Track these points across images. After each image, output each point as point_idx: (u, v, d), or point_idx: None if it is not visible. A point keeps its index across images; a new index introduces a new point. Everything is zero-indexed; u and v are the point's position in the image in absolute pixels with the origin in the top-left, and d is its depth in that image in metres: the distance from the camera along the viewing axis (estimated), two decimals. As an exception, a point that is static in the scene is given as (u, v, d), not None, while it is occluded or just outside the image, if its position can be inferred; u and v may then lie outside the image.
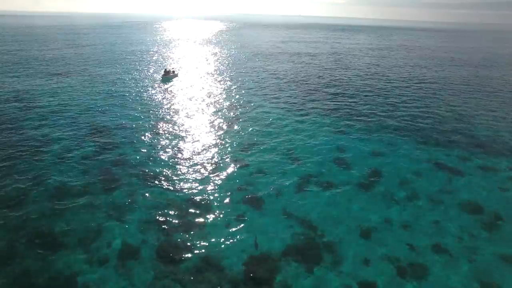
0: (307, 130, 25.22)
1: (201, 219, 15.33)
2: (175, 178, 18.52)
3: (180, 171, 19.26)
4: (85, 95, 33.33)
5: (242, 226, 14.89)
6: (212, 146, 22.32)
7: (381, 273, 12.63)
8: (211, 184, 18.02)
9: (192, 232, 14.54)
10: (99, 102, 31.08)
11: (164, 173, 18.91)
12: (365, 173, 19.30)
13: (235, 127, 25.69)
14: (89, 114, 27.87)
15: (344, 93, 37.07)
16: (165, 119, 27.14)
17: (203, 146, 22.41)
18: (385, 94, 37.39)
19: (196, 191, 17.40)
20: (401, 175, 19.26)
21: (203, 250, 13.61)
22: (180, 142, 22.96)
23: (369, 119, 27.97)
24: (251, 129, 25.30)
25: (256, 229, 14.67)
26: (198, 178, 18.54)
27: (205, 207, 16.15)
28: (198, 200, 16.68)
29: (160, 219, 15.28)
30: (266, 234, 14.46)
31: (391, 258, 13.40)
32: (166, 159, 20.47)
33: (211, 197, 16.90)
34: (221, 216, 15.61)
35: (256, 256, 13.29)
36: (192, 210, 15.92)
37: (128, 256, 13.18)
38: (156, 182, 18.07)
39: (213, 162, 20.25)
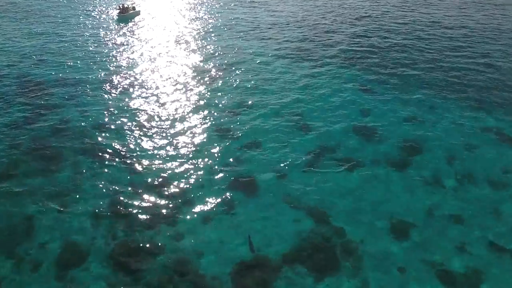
0: (320, 87, 23.53)
1: (173, 211, 14.40)
2: (137, 153, 17.30)
3: (144, 143, 18.01)
4: (14, 39, 30.87)
5: (229, 221, 14.00)
6: (188, 109, 20.89)
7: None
8: (187, 161, 16.86)
9: (159, 229, 13.65)
10: (33, 48, 28.83)
11: (122, 146, 17.67)
12: (398, 147, 18.14)
13: (220, 82, 23.97)
14: (18, 65, 25.90)
15: (371, 37, 34.19)
16: (123, 71, 25.34)
17: (175, 108, 20.97)
18: (428, 38, 34.51)
19: (166, 171, 16.30)
20: (449, 149, 18.07)
21: (174, 254, 12.74)
22: (144, 103, 21.49)
23: (405, 73, 26.04)
24: (243, 85, 23.60)
25: (249, 225, 13.80)
26: (168, 153, 17.36)
27: (178, 194, 15.14)
28: (168, 184, 15.61)
29: (116, 210, 14.33)
30: (263, 231, 13.60)
31: (436, 267, 12.55)
32: (125, 127, 19.12)
33: (187, 180, 15.82)
34: (201, 206, 14.63)
35: (249, 262, 12.47)
36: (160, 198, 14.93)
37: (71, 262, 12.33)
38: (111, 158, 16.88)
39: (189, 131, 18.95)
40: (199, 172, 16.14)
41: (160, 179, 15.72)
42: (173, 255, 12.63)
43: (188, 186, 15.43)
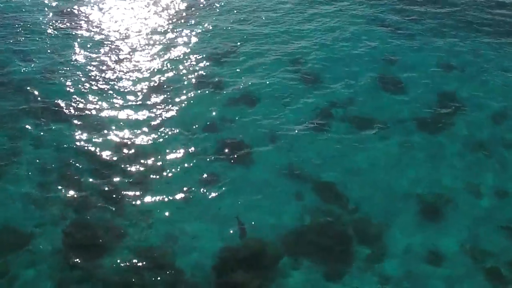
0: (334, 30, 20.75)
1: (141, 186, 12.53)
2: (93, 106, 15.15)
3: (104, 93, 15.76)
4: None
5: (214, 199, 12.24)
6: (164, 56, 18.22)
7: None
8: (161, 123, 14.74)
9: (123, 209, 11.87)
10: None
11: (73, 99, 15.38)
12: (431, 103, 15.98)
13: (204, 15, 21.20)
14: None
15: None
16: (73, 11, 21.65)
17: (143, 47, 18.45)
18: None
19: (133, 137, 14.20)
20: (499, 107, 15.87)
21: (143, 243, 10.99)
22: (103, 39, 18.89)
23: (441, 10, 22.80)
24: (236, 27, 20.70)
25: (239, 203, 12.08)
26: (137, 113, 15.06)
27: (149, 165, 13.23)
28: (135, 152, 13.63)
29: (65, 181, 12.49)
30: (256, 210, 11.89)
31: (475, 256, 10.93)
32: (78, 73, 16.68)
33: (160, 148, 13.83)
34: (177, 180, 12.74)
35: (238, 251, 10.71)
36: (124, 170, 13.00)
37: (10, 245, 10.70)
38: (59, 113, 14.74)
39: (164, 84, 16.56)
40: (175, 138, 14.07)
41: (125, 147, 13.69)
42: (141, 244, 10.84)
43: (161, 154, 13.43)
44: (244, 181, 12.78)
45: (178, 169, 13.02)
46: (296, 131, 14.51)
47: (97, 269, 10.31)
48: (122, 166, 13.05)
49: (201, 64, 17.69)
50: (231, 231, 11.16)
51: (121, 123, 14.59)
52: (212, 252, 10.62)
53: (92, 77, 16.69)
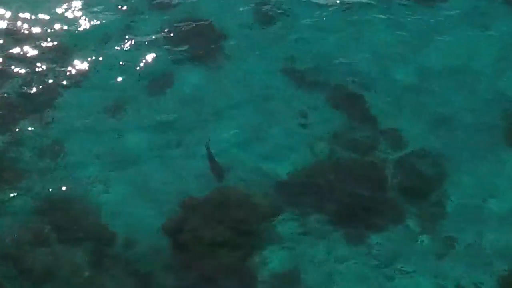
0: None
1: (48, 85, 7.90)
2: None
3: None
4: None
5: (166, 100, 7.79)
6: None
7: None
8: None
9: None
10: None
11: None
12: None
13: None
14: None
15: None
16: None
17: None
18: None
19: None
20: None
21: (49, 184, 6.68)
22: None
23: None
24: None
25: (207, 124, 7.47)
26: None
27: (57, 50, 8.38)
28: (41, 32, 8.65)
29: None
30: (241, 132, 7.35)
31: None
32: None
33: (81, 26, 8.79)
34: (106, 82, 8.02)
35: (209, 202, 6.42)
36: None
37: None
38: None
39: None
40: (105, 16, 8.79)
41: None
42: (44, 186, 6.55)
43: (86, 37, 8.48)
44: (211, 73, 8.04)
45: (108, 56, 8.14)
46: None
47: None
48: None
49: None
50: (199, 162, 6.81)
51: None
52: (166, 198, 6.46)
53: None
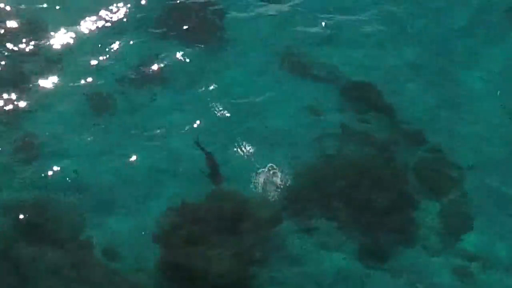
0: None
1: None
2: None
3: None
4: None
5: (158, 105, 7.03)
6: None
7: None
8: None
9: None
10: None
11: None
12: None
13: None
14: None
15: None
16: None
17: None
18: None
19: None
20: None
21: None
22: None
23: None
24: None
25: (202, 116, 6.72)
26: None
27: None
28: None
29: None
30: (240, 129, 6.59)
31: None
32: None
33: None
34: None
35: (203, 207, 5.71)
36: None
37: None
38: None
39: None
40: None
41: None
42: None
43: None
44: (209, 60, 7.25)
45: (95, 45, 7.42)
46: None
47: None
48: None
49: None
50: (193, 155, 6.01)
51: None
52: (155, 204, 5.62)
53: None
